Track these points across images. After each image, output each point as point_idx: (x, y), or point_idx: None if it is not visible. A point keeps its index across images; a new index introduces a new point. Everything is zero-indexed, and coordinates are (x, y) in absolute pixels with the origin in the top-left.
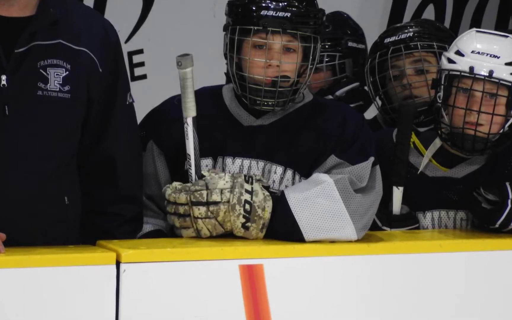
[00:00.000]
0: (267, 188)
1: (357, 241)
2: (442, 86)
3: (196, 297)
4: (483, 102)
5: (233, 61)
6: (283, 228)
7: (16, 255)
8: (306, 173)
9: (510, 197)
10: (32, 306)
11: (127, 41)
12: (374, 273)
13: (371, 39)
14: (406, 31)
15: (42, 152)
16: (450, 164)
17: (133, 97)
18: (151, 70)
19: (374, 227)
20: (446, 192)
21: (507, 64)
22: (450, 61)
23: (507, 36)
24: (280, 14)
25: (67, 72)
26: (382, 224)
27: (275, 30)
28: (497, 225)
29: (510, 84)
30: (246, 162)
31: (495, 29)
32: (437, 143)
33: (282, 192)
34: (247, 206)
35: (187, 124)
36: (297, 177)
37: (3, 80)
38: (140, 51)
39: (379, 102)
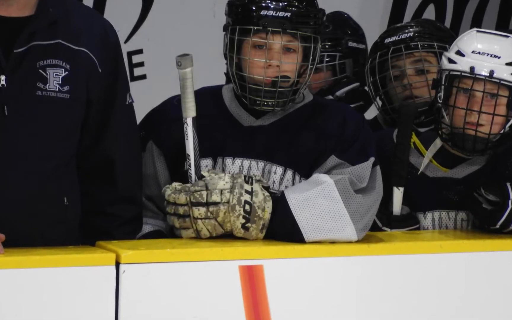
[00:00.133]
0: (267, 188)
1: (357, 241)
2: (443, 86)
3: (196, 298)
4: (483, 102)
5: (233, 61)
6: (283, 228)
7: (15, 256)
8: (306, 174)
9: (511, 197)
10: (31, 307)
11: (126, 41)
12: (374, 274)
13: (371, 39)
14: (406, 31)
15: (41, 152)
16: (451, 165)
17: (133, 97)
18: (150, 70)
19: (374, 227)
20: (447, 193)
21: (507, 64)
22: (451, 61)
23: (507, 36)
24: (280, 14)
25: (67, 72)
26: (383, 224)
27: (275, 30)
28: (497, 226)
29: (510, 84)
30: (246, 162)
31: (496, 29)
32: (437, 143)
33: (282, 193)
34: (247, 207)
35: (187, 125)
36: (297, 177)
37: (2, 80)
38: (140, 51)
39: (380, 102)
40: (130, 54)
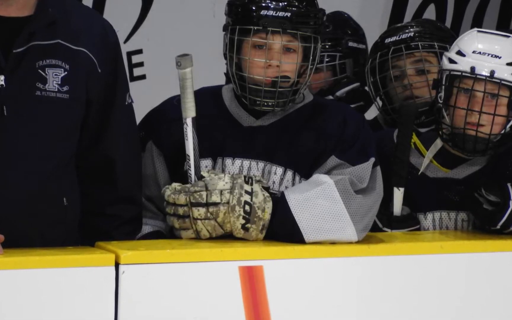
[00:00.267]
0: (267, 189)
1: (358, 242)
2: (443, 87)
3: (196, 298)
4: (484, 103)
5: (233, 61)
6: (283, 229)
7: (14, 256)
8: (306, 174)
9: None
10: (30, 308)
11: (126, 41)
12: (375, 275)
13: (371, 39)
14: (407, 31)
15: (41, 152)
16: (451, 165)
17: (132, 97)
18: (150, 70)
19: (374, 228)
20: (447, 193)
21: (508, 64)
22: (451, 61)
23: (508, 36)
24: (280, 14)
25: (66, 72)
26: (383, 225)
27: (275, 30)
28: (498, 226)
29: (511, 84)
30: (246, 162)
31: (497, 29)
32: (438, 143)
33: (282, 193)
34: (247, 207)
35: (187, 125)
36: (297, 178)
37: (2, 81)
38: (139, 51)
39: (380, 103)
40: (130, 54)
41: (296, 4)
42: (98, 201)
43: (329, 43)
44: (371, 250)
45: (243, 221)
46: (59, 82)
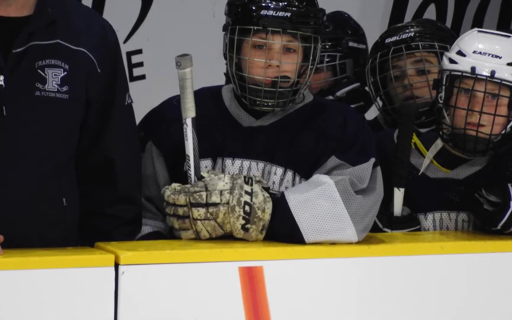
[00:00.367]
0: (267, 189)
1: (358, 243)
2: (444, 87)
3: (196, 299)
4: (484, 103)
5: (233, 61)
6: (283, 229)
7: (14, 257)
8: (306, 174)
9: None
10: (30, 309)
11: (125, 41)
12: (375, 275)
13: (372, 39)
14: (407, 31)
15: (40, 152)
16: (452, 165)
17: (132, 97)
18: (150, 70)
19: (375, 228)
20: (448, 194)
21: (509, 64)
22: (452, 61)
23: (509, 36)
24: (280, 14)
25: (66, 73)
26: (383, 225)
27: (275, 30)
28: (499, 227)
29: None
30: (246, 163)
31: (497, 29)
32: (438, 144)
33: (282, 194)
34: (247, 208)
35: (186, 125)
36: (297, 178)
37: (1, 81)
38: (139, 51)
39: (380, 103)
40: (129, 54)
41: (296, 4)
42: (98, 202)
43: (329, 43)
44: (371, 250)
45: (243, 222)
46: (59, 82)
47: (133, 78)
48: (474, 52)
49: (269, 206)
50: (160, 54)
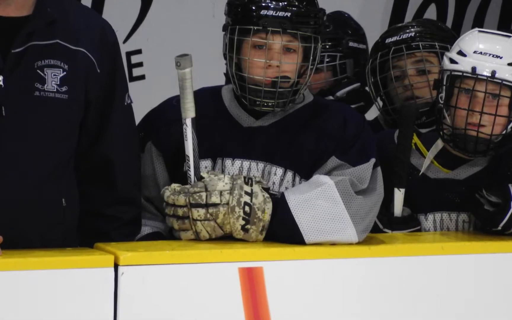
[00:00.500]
0: (267, 190)
1: (358, 243)
2: (444, 87)
3: (195, 300)
4: (485, 103)
5: (233, 61)
6: (283, 230)
7: (13, 257)
8: (306, 175)
9: None
10: (29, 310)
11: (125, 41)
12: (375, 276)
13: (372, 39)
14: (407, 31)
15: (40, 152)
16: (452, 166)
17: (131, 97)
18: (149, 70)
19: (375, 229)
20: (448, 194)
21: (509, 64)
22: (452, 61)
23: (509, 36)
24: (280, 13)
25: (65, 73)
26: (383, 226)
27: (275, 30)
28: (499, 227)
29: None
30: (246, 163)
31: (498, 29)
32: (439, 144)
33: (282, 194)
34: (247, 208)
35: (186, 125)
36: (297, 178)
37: (0, 81)
38: (139, 51)
39: (380, 103)
40: (129, 54)
41: (296, 4)
42: (97, 202)
43: (330, 43)
44: (371, 251)
45: (243, 222)
46: (58, 82)
47: (133, 78)
48: (474, 52)
49: (269, 207)
50: (159, 54)
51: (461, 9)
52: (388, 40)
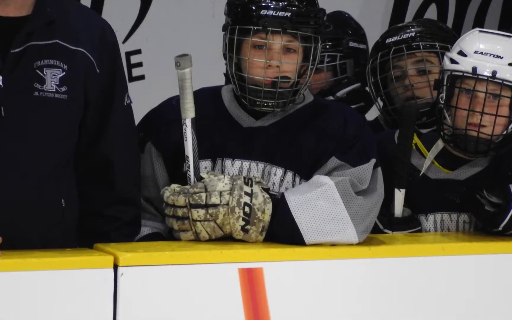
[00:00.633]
0: (267, 190)
1: (358, 244)
2: (445, 87)
3: (195, 301)
4: (486, 103)
5: (233, 61)
6: (283, 231)
7: (12, 258)
8: (306, 175)
9: None
10: (28, 310)
11: (125, 41)
12: (376, 277)
13: (372, 39)
14: (408, 31)
15: (39, 153)
16: (453, 166)
17: (131, 98)
18: (149, 70)
19: (375, 230)
20: (449, 195)
21: (510, 64)
22: (453, 61)
23: (510, 36)
24: (280, 13)
25: (64, 73)
26: (384, 226)
27: (275, 30)
28: (500, 228)
29: None
30: (246, 164)
31: (498, 29)
32: (439, 144)
33: (282, 195)
34: (247, 209)
35: (186, 126)
36: (297, 179)
37: None
38: (138, 52)
39: (381, 103)
40: (129, 54)
41: (296, 4)
42: (97, 203)
43: (330, 43)
44: (372, 252)
45: (242, 223)
46: (57, 83)
47: (132, 79)
48: (475, 52)
49: (269, 207)
50: (159, 54)
51: (462, 9)
52: (389, 40)
